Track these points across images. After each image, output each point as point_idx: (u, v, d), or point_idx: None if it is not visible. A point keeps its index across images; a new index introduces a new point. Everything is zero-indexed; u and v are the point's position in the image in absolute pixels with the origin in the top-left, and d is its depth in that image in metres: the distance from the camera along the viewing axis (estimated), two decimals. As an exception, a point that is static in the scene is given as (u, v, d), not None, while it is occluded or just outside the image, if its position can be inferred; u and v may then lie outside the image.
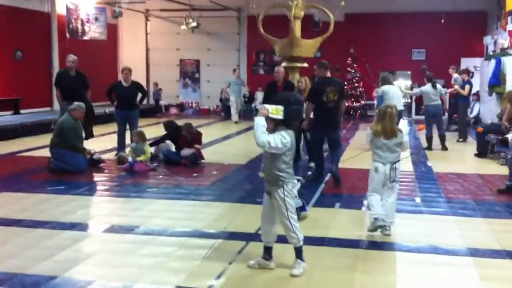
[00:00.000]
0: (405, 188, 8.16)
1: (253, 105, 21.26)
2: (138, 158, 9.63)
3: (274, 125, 4.59)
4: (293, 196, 4.74)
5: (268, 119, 4.54)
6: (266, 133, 4.50)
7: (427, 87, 12.55)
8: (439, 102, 12.47)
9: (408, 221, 6.47)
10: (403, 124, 16.05)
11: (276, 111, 4.52)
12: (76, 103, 9.67)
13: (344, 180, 8.61)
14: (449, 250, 5.44)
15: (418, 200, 7.55)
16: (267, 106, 4.57)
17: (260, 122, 4.51)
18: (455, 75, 15.16)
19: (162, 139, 10.75)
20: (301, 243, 4.76)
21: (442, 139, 12.38)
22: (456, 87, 14.11)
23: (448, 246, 5.54)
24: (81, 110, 9.60)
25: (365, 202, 6.08)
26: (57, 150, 9.38)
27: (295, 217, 4.75)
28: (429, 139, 12.35)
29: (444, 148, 12.30)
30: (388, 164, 5.81)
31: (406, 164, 10.25)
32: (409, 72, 20.87)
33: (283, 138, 4.51)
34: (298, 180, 4.79)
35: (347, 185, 8.47)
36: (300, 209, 6.46)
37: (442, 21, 19.99)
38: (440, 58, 20.16)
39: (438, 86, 12.69)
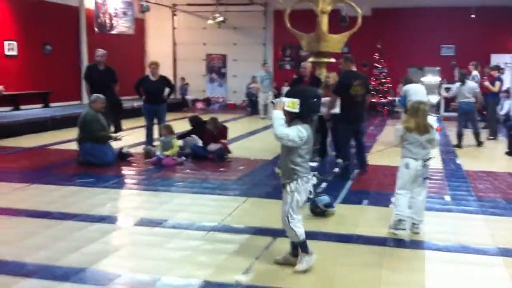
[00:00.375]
0: (434, 186, 8.05)
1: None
2: (166, 152, 9.70)
3: (290, 119, 4.56)
4: (305, 192, 4.65)
5: (284, 112, 4.52)
6: (284, 125, 4.48)
7: (459, 84, 12.39)
8: (472, 99, 12.27)
9: (437, 219, 6.39)
10: (430, 121, 15.84)
11: (292, 104, 4.48)
12: (94, 94, 9.75)
13: (372, 177, 8.54)
14: (479, 249, 5.36)
15: (447, 198, 7.45)
16: (283, 99, 4.55)
17: (278, 115, 4.49)
18: (475, 72, 14.98)
19: (187, 134, 10.80)
20: (301, 238, 4.68)
21: (477, 136, 12.25)
22: (487, 83, 13.86)
23: (478, 245, 5.46)
24: (101, 101, 9.66)
25: (392, 199, 6.01)
26: (83, 144, 9.48)
27: (296, 216, 4.64)
28: (460, 136, 12.19)
29: (480, 143, 12.19)
30: (420, 160, 5.74)
31: (435, 162, 10.13)
32: (437, 68, 20.56)
33: (300, 132, 4.49)
34: (314, 175, 4.73)
35: (374, 182, 8.40)
36: (328, 206, 6.44)
37: (472, 16, 19.69)
38: (470, 54, 19.80)
39: (471, 83, 12.49)
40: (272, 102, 4.97)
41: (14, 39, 16.86)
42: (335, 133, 9.84)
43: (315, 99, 4.65)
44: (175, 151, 9.84)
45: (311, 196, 4.79)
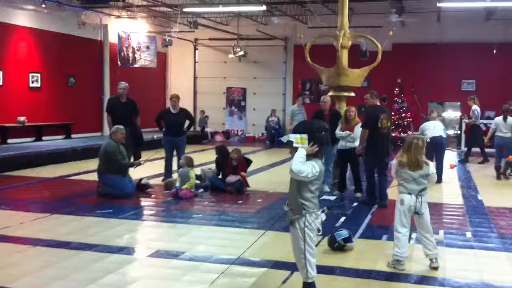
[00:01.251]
0: (455, 222, 7.96)
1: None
2: (184, 186, 9.72)
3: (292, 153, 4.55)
4: (315, 228, 4.58)
5: (294, 148, 4.52)
6: (303, 163, 4.46)
7: (499, 118, 12.80)
8: (509, 134, 12.35)
9: (459, 256, 6.28)
10: (450, 156, 15.70)
11: (301, 140, 4.48)
12: (115, 126, 9.87)
13: (391, 212, 8.43)
14: (501, 287, 5.24)
15: (468, 234, 7.33)
16: (291, 135, 4.55)
17: (301, 153, 4.48)
18: (474, 106, 15.03)
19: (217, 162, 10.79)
20: (310, 280, 4.62)
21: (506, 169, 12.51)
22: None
23: (501, 284, 5.34)
24: (120, 132, 9.76)
25: (395, 234, 5.92)
26: (104, 175, 9.56)
27: (312, 251, 4.59)
28: (497, 168, 12.46)
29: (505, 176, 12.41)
30: (413, 196, 5.69)
31: (456, 197, 10.03)
32: (458, 103, 20.47)
33: (314, 168, 4.47)
34: (323, 211, 4.67)
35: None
36: (347, 241, 6.37)
37: (494, 51, 19.66)
38: (491, 89, 19.74)
39: (510, 119, 12.56)
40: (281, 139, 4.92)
41: (39, 71, 17.23)
42: (356, 166, 9.83)
43: (323, 132, 4.63)
44: (192, 183, 9.86)
45: (320, 234, 4.69)
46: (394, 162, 5.96)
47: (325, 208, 4.75)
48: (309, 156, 4.53)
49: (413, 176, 5.71)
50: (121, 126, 9.81)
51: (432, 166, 5.86)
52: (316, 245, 4.78)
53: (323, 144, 4.64)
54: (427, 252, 5.74)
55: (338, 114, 10.23)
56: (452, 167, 11.36)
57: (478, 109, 15.35)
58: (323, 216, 4.65)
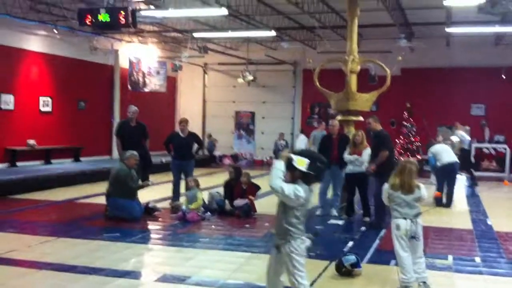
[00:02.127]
0: (464, 247, 7.87)
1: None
2: (191, 206, 9.70)
3: (292, 178, 4.47)
4: (301, 253, 4.52)
5: (289, 168, 4.44)
6: (282, 179, 4.38)
7: None
8: None
9: (468, 282, 6.20)
10: (461, 180, 15.60)
11: (301, 162, 4.42)
12: (128, 151, 9.92)
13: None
14: (512, 314, 5.17)
15: (478, 260, 7.24)
16: (293, 155, 4.49)
17: (279, 166, 4.42)
18: (460, 132, 15.09)
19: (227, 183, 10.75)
20: None
21: None
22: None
23: (511, 310, 5.26)
24: (134, 158, 9.81)
25: (399, 260, 5.86)
26: (113, 199, 9.59)
27: (303, 274, 4.53)
28: None
29: None
30: (408, 220, 5.67)
31: (465, 222, 9.94)
32: (467, 128, 20.39)
33: (297, 191, 4.36)
34: (309, 238, 4.63)
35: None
36: (354, 266, 6.31)
37: (503, 76, 19.64)
38: (501, 113, 19.69)
39: None
40: (277, 151, 4.87)
41: (50, 96, 17.41)
42: (364, 190, 9.80)
43: (322, 164, 4.56)
44: (199, 204, 9.85)
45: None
46: (385, 187, 5.93)
47: (310, 234, 4.69)
48: (300, 181, 4.46)
49: (406, 200, 5.69)
50: (135, 152, 9.88)
51: (423, 189, 5.84)
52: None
53: (320, 175, 4.57)
54: (417, 276, 5.67)
55: (347, 138, 10.24)
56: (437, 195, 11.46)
57: (464, 134, 15.34)
58: (307, 242, 4.58)
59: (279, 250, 4.58)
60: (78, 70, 18.38)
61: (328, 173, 10.07)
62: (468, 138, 15.66)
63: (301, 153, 4.59)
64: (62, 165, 16.80)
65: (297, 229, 4.51)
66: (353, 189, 10.01)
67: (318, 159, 4.57)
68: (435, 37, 18.79)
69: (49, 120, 17.41)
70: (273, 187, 4.36)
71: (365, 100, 11.14)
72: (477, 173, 17.79)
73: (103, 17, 9.38)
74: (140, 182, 10.22)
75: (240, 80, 21.57)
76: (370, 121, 9.60)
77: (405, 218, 5.68)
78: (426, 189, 5.95)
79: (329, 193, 10.47)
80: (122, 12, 9.50)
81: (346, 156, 9.78)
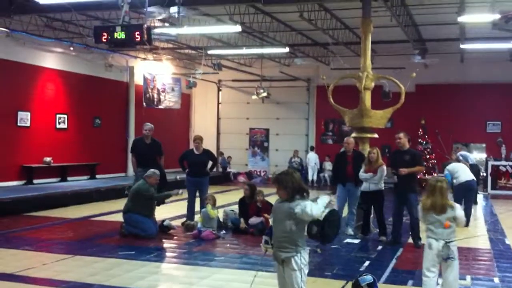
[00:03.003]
0: (482, 268, 7.76)
1: (321, 174, 21.17)
2: (206, 226, 9.68)
3: (287, 195, 4.58)
4: (307, 264, 4.62)
5: (280, 189, 4.62)
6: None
7: None
8: None
9: (487, 303, 6.09)
10: (479, 199, 15.46)
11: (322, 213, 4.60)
12: (151, 170, 9.96)
13: (417, 256, 8.28)
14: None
15: (496, 280, 7.13)
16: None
17: (324, 202, 4.65)
18: (461, 152, 15.04)
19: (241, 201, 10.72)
20: None
21: None
22: None
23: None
24: (156, 177, 9.87)
25: (423, 279, 5.79)
26: (130, 215, 9.61)
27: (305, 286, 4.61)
28: None
29: None
30: (441, 241, 5.56)
31: (483, 242, 9.80)
32: (483, 145, 20.25)
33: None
34: (313, 251, 4.70)
35: (420, 260, 8.09)
36: (371, 286, 6.22)
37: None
38: (517, 130, 19.55)
39: None
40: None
41: (66, 112, 17.57)
42: (380, 209, 9.72)
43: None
44: (215, 223, 9.83)
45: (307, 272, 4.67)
46: (419, 207, 5.87)
47: (317, 249, 4.76)
48: (297, 197, 4.58)
49: (440, 219, 5.60)
50: (157, 171, 9.95)
51: (458, 209, 5.73)
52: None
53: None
54: None
55: (362, 155, 10.19)
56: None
57: (464, 153, 15.36)
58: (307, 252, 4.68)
59: (286, 265, 4.59)
60: (93, 87, 18.55)
61: (343, 191, 10.06)
62: (467, 154, 15.59)
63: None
64: (78, 182, 16.89)
65: (303, 240, 4.65)
66: (368, 207, 9.93)
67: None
68: (449, 53, 18.77)
69: (65, 137, 17.55)
70: (315, 216, 4.55)
71: (379, 117, 11.07)
72: (493, 192, 17.64)
73: (119, 34, 9.43)
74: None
75: (254, 96, 21.63)
76: (401, 136, 9.42)
77: (437, 240, 5.59)
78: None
79: (345, 212, 10.40)
80: (138, 30, 9.57)
81: (361, 174, 9.71)
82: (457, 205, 5.78)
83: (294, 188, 4.57)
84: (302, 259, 4.55)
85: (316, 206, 4.54)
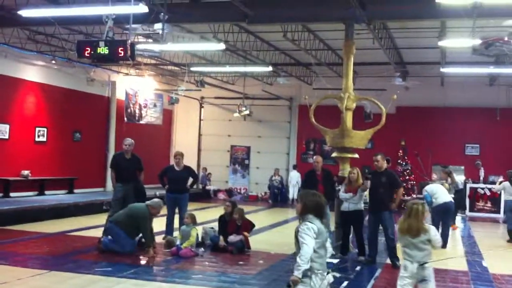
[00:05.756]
0: (459, 289, 7.80)
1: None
2: (183, 245, 9.60)
3: (302, 213, 4.63)
4: None
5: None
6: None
7: (507, 183, 13.06)
8: None
9: (464, 325, 6.11)
10: (457, 220, 15.59)
11: None
12: (158, 201, 9.77)
13: (396, 276, 8.28)
14: None
15: (473, 302, 7.17)
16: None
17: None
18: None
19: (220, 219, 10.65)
20: None
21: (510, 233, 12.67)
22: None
23: None
24: (159, 209, 9.73)
25: None
26: (114, 226, 9.47)
27: None
28: (510, 232, 12.58)
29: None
30: (415, 263, 5.59)
31: (460, 264, 9.86)
32: (462, 167, 20.45)
33: (310, 231, 4.55)
34: (329, 273, 4.59)
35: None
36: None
37: (497, 118, 19.82)
38: (495, 153, 19.80)
39: None
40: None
41: (45, 126, 17.40)
42: (359, 229, 9.76)
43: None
44: (192, 241, 9.75)
45: None
46: (397, 229, 5.91)
47: (335, 273, 4.67)
48: (309, 216, 4.56)
49: (414, 243, 5.64)
50: (162, 203, 9.80)
51: (433, 231, 5.77)
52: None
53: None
54: None
55: (331, 174, 10.35)
56: (454, 228, 11.37)
57: (456, 181, 15.73)
58: (330, 278, 4.55)
59: None
60: (74, 101, 18.43)
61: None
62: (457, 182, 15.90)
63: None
64: (56, 196, 16.68)
65: (317, 264, 4.54)
66: (348, 227, 9.96)
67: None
68: (430, 76, 19.03)
69: (44, 150, 17.36)
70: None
71: (360, 138, 11.15)
72: (472, 213, 17.80)
73: (102, 49, 9.42)
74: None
75: (236, 114, 21.67)
76: (379, 158, 9.51)
77: (411, 262, 5.61)
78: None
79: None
80: (121, 45, 9.57)
81: (342, 194, 9.78)
82: (432, 228, 5.82)
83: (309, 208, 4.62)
84: (316, 282, 4.46)
85: (307, 252, 4.47)
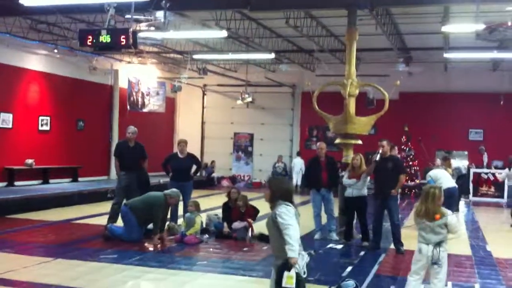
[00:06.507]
0: (463, 274, 7.83)
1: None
2: (188, 232, 9.65)
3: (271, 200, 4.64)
4: (301, 270, 4.53)
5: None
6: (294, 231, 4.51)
7: (507, 170, 13.55)
8: None
9: (467, 309, 6.15)
10: (461, 205, 15.61)
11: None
12: (176, 191, 9.76)
13: (400, 261, 8.35)
14: None
15: (477, 287, 7.21)
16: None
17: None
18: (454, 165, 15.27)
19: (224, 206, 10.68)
20: None
21: None
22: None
23: None
24: (177, 198, 9.75)
25: (408, 279, 5.86)
26: (130, 211, 9.47)
27: None
28: None
29: None
30: (431, 246, 5.64)
31: (464, 248, 9.89)
32: (466, 152, 20.43)
33: (286, 215, 4.52)
34: (309, 254, 4.65)
35: (402, 266, 8.19)
36: (354, 291, 6.26)
37: (501, 103, 19.76)
38: (499, 139, 19.77)
39: None
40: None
41: (49, 115, 17.43)
42: (363, 215, 9.79)
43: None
44: (197, 228, 9.80)
45: (305, 276, 4.62)
46: (413, 212, 5.95)
47: (311, 251, 4.73)
48: (280, 202, 4.60)
49: (431, 226, 5.66)
50: (179, 193, 9.80)
51: (450, 216, 5.78)
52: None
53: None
54: None
55: (334, 161, 10.41)
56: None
57: (457, 166, 15.78)
58: (306, 258, 4.62)
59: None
60: (77, 90, 18.43)
61: (318, 196, 10.17)
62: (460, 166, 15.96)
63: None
64: (60, 185, 16.75)
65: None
66: (352, 213, 9.99)
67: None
68: (433, 62, 18.95)
69: (47, 139, 17.39)
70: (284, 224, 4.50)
71: (363, 124, 11.15)
72: (475, 199, 17.83)
73: (104, 38, 9.39)
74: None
75: (239, 101, 21.65)
76: (384, 144, 9.52)
77: (427, 244, 5.65)
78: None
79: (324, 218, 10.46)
80: (123, 34, 9.54)
81: (345, 180, 9.81)
82: (449, 212, 5.82)
83: (277, 194, 4.64)
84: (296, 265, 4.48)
85: (295, 232, 4.48)
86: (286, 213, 4.52)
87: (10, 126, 16.06)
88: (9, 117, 16.03)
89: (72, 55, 17.34)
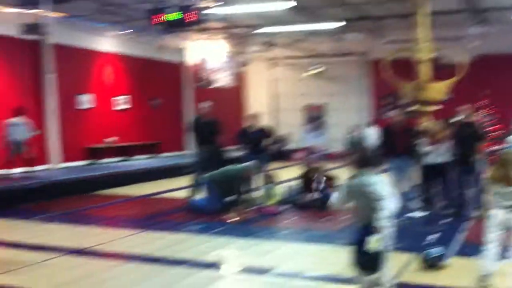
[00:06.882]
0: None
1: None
2: (267, 203, 9.77)
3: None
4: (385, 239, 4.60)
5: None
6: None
7: None
8: None
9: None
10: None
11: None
12: (253, 162, 9.96)
13: (482, 229, 8.12)
14: None
15: None
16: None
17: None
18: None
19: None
20: None
21: None
22: None
23: None
24: (255, 171, 9.93)
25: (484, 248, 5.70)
26: (210, 184, 9.78)
27: None
28: None
29: None
30: (506, 210, 5.44)
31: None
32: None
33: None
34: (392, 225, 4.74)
35: (487, 233, 7.96)
36: (440, 259, 6.16)
37: None
38: None
39: None
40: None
41: (126, 94, 17.98)
42: (445, 182, 9.55)
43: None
44: (276, 199, 9.91)
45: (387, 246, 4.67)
46: (488, 177, 5.74)
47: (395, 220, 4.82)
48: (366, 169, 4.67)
49: (506, 191, 5.48)
50: (257, 166, 10.00)
51: None
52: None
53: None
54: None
55: (409, 128, 10.05)
56: None
57: None
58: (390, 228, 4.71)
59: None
60: (148, 69, 18.86)
61: (396, 165, 9.94)
62: None
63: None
64: (141, 161, 17.29)
65: None
66: (432, 181, 9.76)
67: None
68: (509, 22, 18.02)
69: (127, 117, 18.00)
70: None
71: (438, 90, 10.87)
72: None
73: (172, 16, 9.54)
74: None
75: (309, 72, 21.50)
76: (463, 109, 9.29)
77: (502, 209, 5.50)
78: None
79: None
80: (191, 11, 9.65)
81: (424, 147, 9.59)
82: None
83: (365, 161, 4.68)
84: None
85: (387, 196, 4.57)
86: (379, 182, 4.51)
87: (91, 106, 16.63)
88: (89, 98, 16.62)
89: (141, 35, 17.68)
